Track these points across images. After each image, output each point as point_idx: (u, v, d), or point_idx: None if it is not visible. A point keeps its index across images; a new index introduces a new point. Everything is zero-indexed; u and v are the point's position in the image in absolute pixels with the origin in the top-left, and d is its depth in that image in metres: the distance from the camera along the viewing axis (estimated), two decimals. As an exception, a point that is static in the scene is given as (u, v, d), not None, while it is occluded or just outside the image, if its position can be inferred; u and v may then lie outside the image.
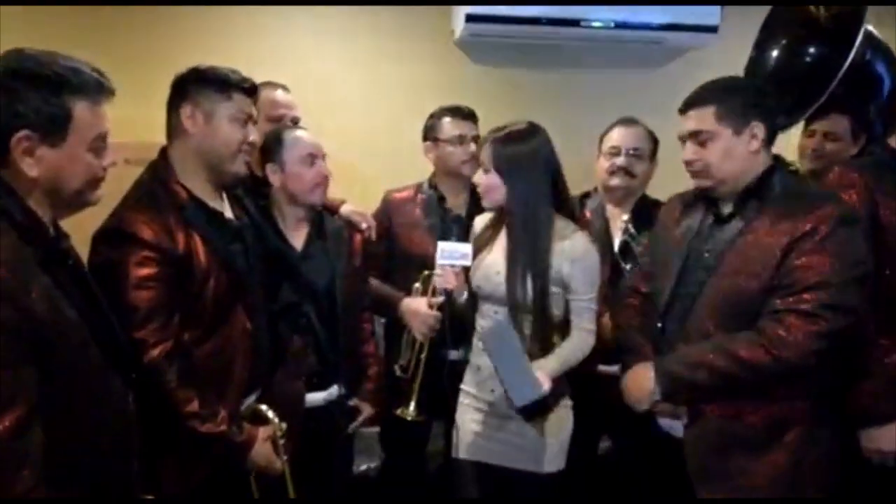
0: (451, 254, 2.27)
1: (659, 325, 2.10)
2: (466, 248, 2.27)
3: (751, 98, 1.99)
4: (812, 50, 2.88)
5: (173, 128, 2.01)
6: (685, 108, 2.03)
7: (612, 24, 3.54)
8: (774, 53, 2.97)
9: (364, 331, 2.56)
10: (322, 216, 2.46)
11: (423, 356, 2.48)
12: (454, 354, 2.57)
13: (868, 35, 2.65)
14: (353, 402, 2.48)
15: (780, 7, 3.00)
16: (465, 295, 2.32)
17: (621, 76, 3.86)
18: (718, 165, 1.97)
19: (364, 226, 2.61)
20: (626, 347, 2.21)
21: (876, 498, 2.19)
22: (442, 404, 2.45)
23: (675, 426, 2.09)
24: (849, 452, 2.07)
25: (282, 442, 2.04)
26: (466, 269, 2.28)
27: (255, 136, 2.08)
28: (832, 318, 1.82)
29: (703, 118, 1.97)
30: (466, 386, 2.35)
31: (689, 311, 2.01)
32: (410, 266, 2.65)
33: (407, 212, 2.79)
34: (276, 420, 2.04)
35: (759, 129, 1.96)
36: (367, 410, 2.51)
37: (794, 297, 1.84)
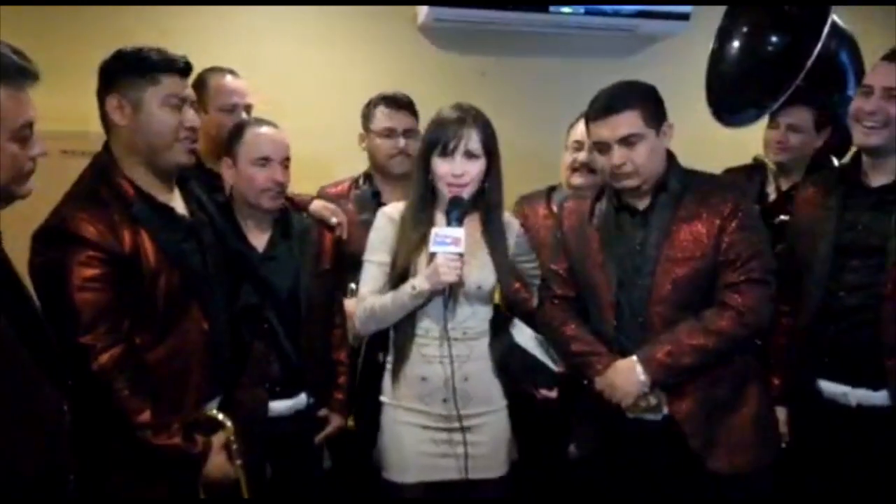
0: (443, 239, 2.02)
1: (614, 323, 2.13)
2: (458, 232, 2.03)
3: (658, 100, 2.13)
4: (779, 39, 2.91)
5: (105, 121, 1.88)
6: (604, 114, 2.07)
7: (582, 11, 3.49)
8: (740, 43, 2.99)
9: (335, 336, 2.40)
10: (289, 214, 2.34)
11: (359, 360, 2.39)
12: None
13: (833, 25, 2.67)
14: (322, 412, 2.35)
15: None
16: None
17: (592, 64, 3.77)
18: (646, 165, 2.07)
19: (334, 221, 2.47)
20: (585, 352, 2.17)
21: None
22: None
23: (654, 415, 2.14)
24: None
25: (234, 447, 1.92)
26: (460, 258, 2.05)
27: (195, 121, 1.93)
28: (773, 280, 2.08)
29: (631, 122, 2.05)
30: (402, 400, 2.15)
31: (645, 301, 2.09)
32: (346, 265, 2.49)
33: (341, 208, 2.60)
34: (228, 423, 1.93)
35: (669, 127, 2.12)
36: (336, 421, 2.36)
37: (741, 268, 2.04)
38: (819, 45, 2.58)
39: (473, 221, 2.16)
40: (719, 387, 2.09)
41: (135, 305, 1.80)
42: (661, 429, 2.11)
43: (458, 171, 2.07)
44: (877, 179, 2.15)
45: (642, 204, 2.14)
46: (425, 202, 2.14)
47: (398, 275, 2.10)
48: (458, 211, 2.07)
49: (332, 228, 2.45)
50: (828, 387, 2.15)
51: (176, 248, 1.89)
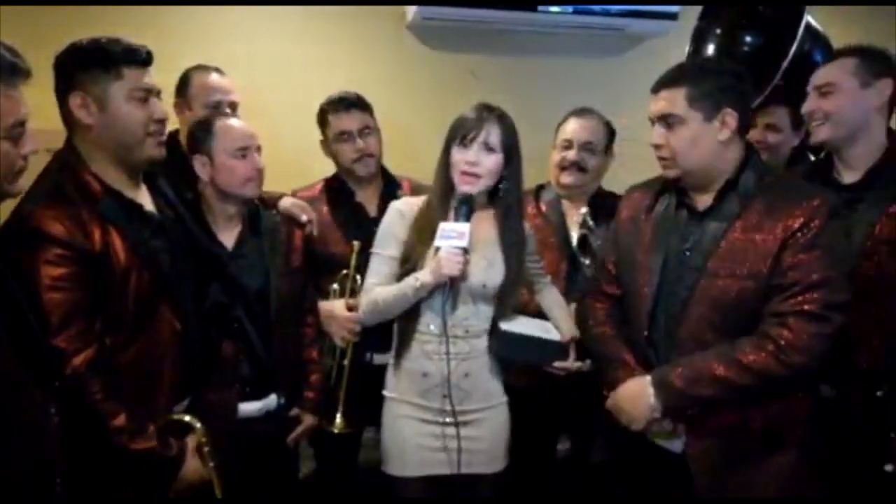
0: (448, 234, 2.01)
1: (646, 333, 1.96)
2: (463, 227, 2.02)
3: (725, 82, 1.86)
4: (753, 40, 2.90)
5: (68, 119, 1.82)
6: (657, 88, 1.91)
7: (571, 10, 3.49)
8: (715, 44, 2.97)
9: (306, 335, 2.37)
10: (258, 211, 2.30)
11: (345, 363, 2.37)
12: (381, 359, 2.37)
13: (807, 25, 2.67)
14: (293, 412, 2.32)
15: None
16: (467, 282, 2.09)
17: (580, 64, 3.80)
18: (685, 153, 1.86)
19: (304, 218, 2.45)
20: (606, 359, 2.04)
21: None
22: (373, 411, 2.26)
23: (672, 444, 1.95)
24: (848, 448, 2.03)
25: (206, 449, 1.90)
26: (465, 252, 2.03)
27: (163, 112, 1.89)
28: (836, 317, 1.76)
29: (673, 100, 1.85)
30: (404, 395, 2.15)
31: (679, 316, 1.88)
32: (324, 267, 2.49)
33: (315, 210, 2.56)
34: (197, 425, 1.90)
35: (731, 116, 1.84)
36: (308, 420, 2.34)
37: (796, 297, 1.76)
38: (795, 45, 2.58)
39: (489, 220, 2.15)
40: (749, 432, 1.84)
41: (105, 305, 1.75)
42: (679, 461, 1.91)
43: (471, 159, 2.06)
44: (848, 176, 2.06)
45: (702, 203, 1.91)
46: (445, 198, 2.13)
47: (408, 268, 2.10)
48: (466, 206, 2.06)
49: (301, 226, 2.43)
50: None
51: (146, 246, 1.85)
